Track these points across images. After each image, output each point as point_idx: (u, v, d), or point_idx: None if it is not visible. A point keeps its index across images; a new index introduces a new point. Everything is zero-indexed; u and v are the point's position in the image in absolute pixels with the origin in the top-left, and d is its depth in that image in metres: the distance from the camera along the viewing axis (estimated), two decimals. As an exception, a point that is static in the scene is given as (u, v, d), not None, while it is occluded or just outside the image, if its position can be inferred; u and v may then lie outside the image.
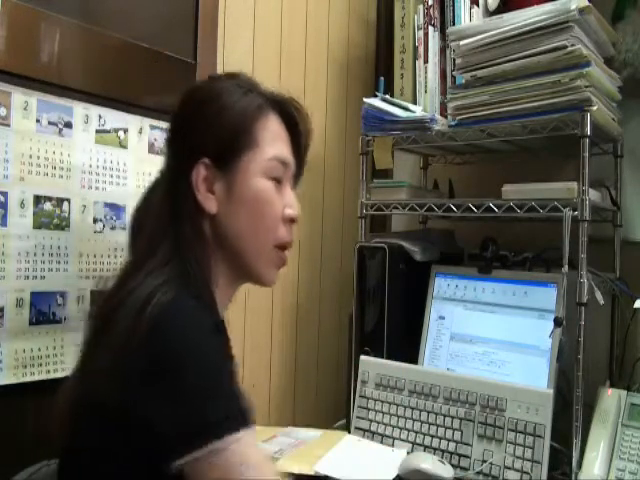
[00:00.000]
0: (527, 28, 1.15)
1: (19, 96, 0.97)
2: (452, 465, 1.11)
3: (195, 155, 0.80)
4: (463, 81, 1.27)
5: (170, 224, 0.78)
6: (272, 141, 0.83)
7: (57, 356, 1.03)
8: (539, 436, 1.06)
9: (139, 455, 0.67)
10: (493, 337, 1.31)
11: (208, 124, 0.80)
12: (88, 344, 0.76)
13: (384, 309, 1.34)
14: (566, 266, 1.12)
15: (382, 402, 1.26)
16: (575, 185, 1.14)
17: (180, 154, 0.82)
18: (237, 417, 0.66)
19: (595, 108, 1.12)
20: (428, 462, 1.09)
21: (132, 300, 0.69)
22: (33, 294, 0.99)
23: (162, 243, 0.76)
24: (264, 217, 0.82)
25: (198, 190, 0.79)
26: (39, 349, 1.00)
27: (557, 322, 1.14)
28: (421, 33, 1.42)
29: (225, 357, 0.71)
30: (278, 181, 0.83)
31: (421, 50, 1.42)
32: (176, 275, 0.73)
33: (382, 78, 1.47)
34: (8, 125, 0.96)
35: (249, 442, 0.67)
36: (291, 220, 0.85)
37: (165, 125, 1.21)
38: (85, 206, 1.07)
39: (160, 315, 0.67)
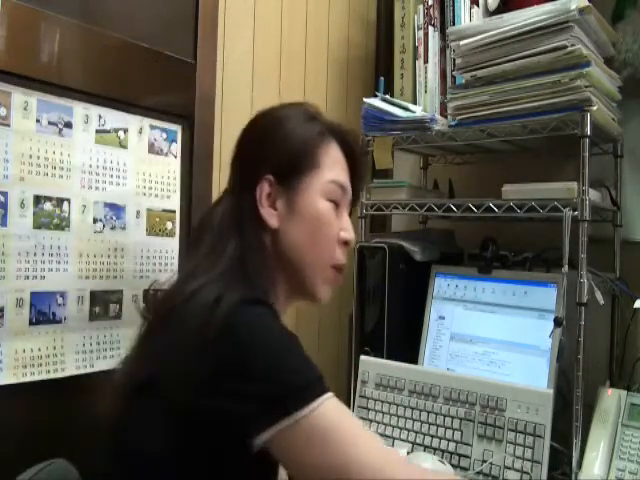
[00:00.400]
0: (527, 28, 1.15)
1: (19, 96, 0.97)
2: (452, 465, 1.11)
3: (260, 173, 0.84)
4: (463, 81, 1.27)
5: (233, 234, 0.82)
6: (332, 165, 0.88)
7: (57, 356, 1.03)
8: (539, 436, 1.06)
9: (210, 445, 0.69)
10: (493, 337, 1.31)
11: (274, 145, 0.86)
12: (143, 342, 0.79)
13: (384, 309, 1.34)
14: (566, 266, 1.12)
15: (382, 402, 1.26)
16: (575, 185, 1.14)
17: (246, 171, 0.87)
18: (317, 383, 0.70)
19: (595, 108, 1.12)
20: (428, 462, 1.09)
21: (197, 301, 0.72)
22: (33, 294, 0.99)
23: (225, 251, 0.80)
24: (322, 236, 0.86)
25: (262, 205, 0.84)
26: (39, 349, 1.00)
27: (557, 322, 1.14)
28: (421, 33, 1.42)
29: (292, 338, 0.74)
30: (336, 204, 0.88)
31: (421, 50, 1.42)
32: (239, 280, 0.76)
33: (382, 78, 1.47)
34: (8, 125, 0.96)
35: (333, 405, 0.70)
36: (345, 243, 0.89)
37: (165, 125, 1.22)
38: (85, 206, 1.07)
39: (231, 313, 0.70)
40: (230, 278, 0.76)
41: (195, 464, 0.70)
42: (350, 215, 0.93)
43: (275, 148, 0.86)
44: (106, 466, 0.76)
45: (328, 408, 0.69)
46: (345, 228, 0.89)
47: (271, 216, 0.84)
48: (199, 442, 0.69)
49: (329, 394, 0.70)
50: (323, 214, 0.86)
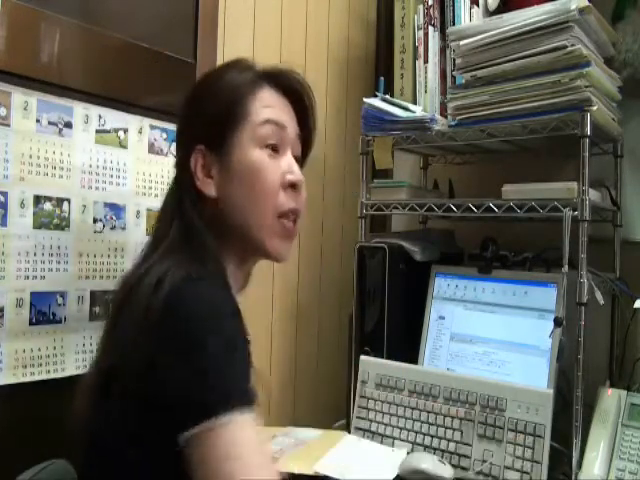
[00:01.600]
0: (527, 28, 1.15)
1: (19, 96, 0.97)
2: (452, 465, 1.11)
3: (192, 144, 0.82)
4: (463, 81, 1.27)
5: (176, 214, 0.81)
6: (264, 108, 0.83)
7: (57, 356, 1.03)
8: (539, 436, 1.06)
9: (154, 433, 0.67)
10: (493, 337, 1.31)
11: (200, 110, 0.83)
12: (108, 325, 0.78)
13: (384, 309, 1.34)
14: (566, 266, 1.12)
15: (382, 402, 1.26)
16: (575, 185, 1.14)
17: (181, 146, 0.86)
18: (245, 396, 0.65)
19: (595, 108, 1.12)
20: (428, 462, 1.09)
21: (147, 281, 0.70)
22: (33, 294, 0.99)
23: (170, 229, 0.79)
24: (260, 188, 0.81)
25: (197, 178, 0.82)
26: (39, 349, 1.00)
27: (557, 322, 1.14)
28: (421, 33, 1.42)
29: (238, 335, 0.70)
30: (275, 149, 0.83)
31: (421, 50, 1.42)
32: (187, 258, 0.75)
33: (382, 78, 1.47)
34: (8, 125, 0.96)
35: (248, 427, 0.64)
36: (292, 186, 0.83)
37: (165, 125, 1.22)
38: (85, 206, 1.07)
39: (173, 293, 0.68)
40: (178, 258, 0.74)
41: (158, 456, 0.67)
42: (304, 162, 0.88)
43: (201, 114, 0.83)
44: (82, 466, 0.76)
45: (243, 427, 0.63)
46: (288, 170, 0.83)
47: (208, 186, 0.81)
48: (157, 433, 0.66)
49: (251, 414, 0.65)
50: (258, 163, 0.81)
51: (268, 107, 0.83)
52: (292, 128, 0.86)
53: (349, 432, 1.28)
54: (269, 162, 0.82)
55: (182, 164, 0.83)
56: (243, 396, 0.65)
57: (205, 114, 0.83)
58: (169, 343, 0.66)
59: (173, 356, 0.65)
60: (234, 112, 0.81)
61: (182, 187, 0.83)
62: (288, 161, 0.84)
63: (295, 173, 0.84)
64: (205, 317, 0.68)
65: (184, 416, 0.63)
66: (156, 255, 0.76)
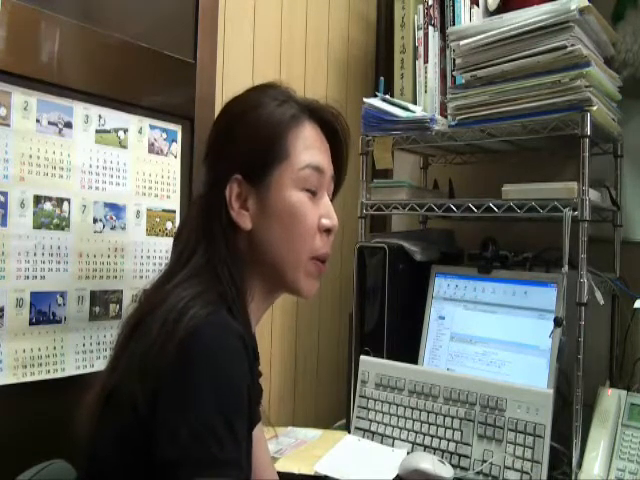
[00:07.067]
0: (527, 28, 1.15)
1: (19, 96, 0.97)
2: (452, 465, 1.11)
3: (228, 172, 0.80)
4: (463, 81, 1.28)
5: (203, 238, 0.79)
6: (305, 149, 0.82)
7: (57, 356, 1.03)
8: (539, 436, 1.06)
9: (139, 461, 0.66)
10: (493, 337, 1.31)
11: (240, 140, 0.81)
12: (121, 342, 0.77)
13: (384, 309, 1.34)
14: (566, 266, 1.12)
15: (382, 402, 1.26)
16: (575, 185, 1.14)
17: (214, 170, 0.83)
18: (232, 468, 0.64)
19: (595, 108, 1.12)
20: (428, 462, 1.09)
21: (165, 308, 0.70)
22: (33, 294, 0.99)
23: (193, 256, 0.78)
24: (298, 230, 0.81)
25: (232, 207, 0.80)
26: (39, 349, 1.00)
27: (557, 322, 1.14)
28: (421, 33, 1.42)
29: (245, 396, 0.69)
30: (313, 192, 0.82)
31: (421, 50, 1.42)
32: (208, 288, 0.73)
33: (382, 78, 1.48)
34: (8, 125, 0.96)
35: None
36: (327, 231, 0.84)
37: (165, 125, 1.22)
38: (85, 206, 1.07)
39: (195, 329, 0.67)
40: (203, 283, 0.74)
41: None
42: (333, 198, 0.88)
43: (241, 144, 0.81)
44: (83, 472, 0.75)
45: None
46: (325, 214, 0.83)
47: (243, 218, 0.80)
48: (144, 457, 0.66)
49: None
50: (297, 207, 0.80)
51: (310, 148, 0.82)
52: (329, 170, 0.85)
53: (349, 432, 1.29)
54: (308, 205, 0.82)
55: (215, 187, 0.81)
56: (235, 466, 0.64)
57: (245, 144, 0.81)
58: (171, 395, 0.65)
59: (169, 407, 0.65)
60: (276, 149, 0.80)
61: (213, 212, 0.80)
62: (326, 205, 0.84)
63: (332, 218, 0.84)
64: (215, 368, 0.67)
65: (161, 461, 0.63)
66: (181, 276, 0.75)
